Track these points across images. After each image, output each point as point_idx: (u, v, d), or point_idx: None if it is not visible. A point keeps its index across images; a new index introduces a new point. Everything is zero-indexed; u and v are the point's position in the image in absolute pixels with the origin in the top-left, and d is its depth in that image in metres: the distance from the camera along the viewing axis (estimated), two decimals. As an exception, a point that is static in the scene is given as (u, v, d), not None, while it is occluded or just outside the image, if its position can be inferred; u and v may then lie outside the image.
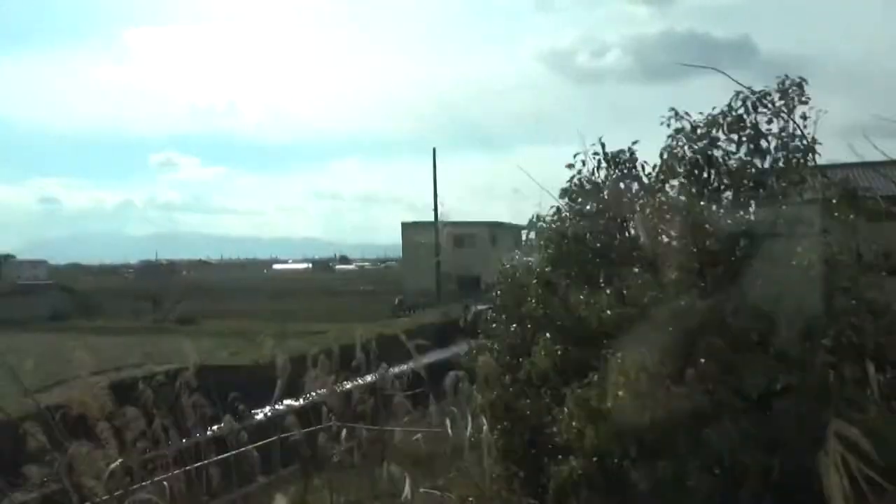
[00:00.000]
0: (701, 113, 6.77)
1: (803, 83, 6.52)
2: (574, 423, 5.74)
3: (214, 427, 8.54)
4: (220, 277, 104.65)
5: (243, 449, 8.52)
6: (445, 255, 44.72)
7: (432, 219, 42.48)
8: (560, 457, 5.97)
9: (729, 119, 6.62)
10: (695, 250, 6.05)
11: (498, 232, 45.81)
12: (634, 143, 7.12)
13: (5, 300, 39.33)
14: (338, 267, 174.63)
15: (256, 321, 37.03)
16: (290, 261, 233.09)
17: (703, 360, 5.45)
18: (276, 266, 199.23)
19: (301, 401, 9.41)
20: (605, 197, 7.05)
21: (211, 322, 36.21)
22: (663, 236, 6.23)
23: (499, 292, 7.48)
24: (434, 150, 37.43)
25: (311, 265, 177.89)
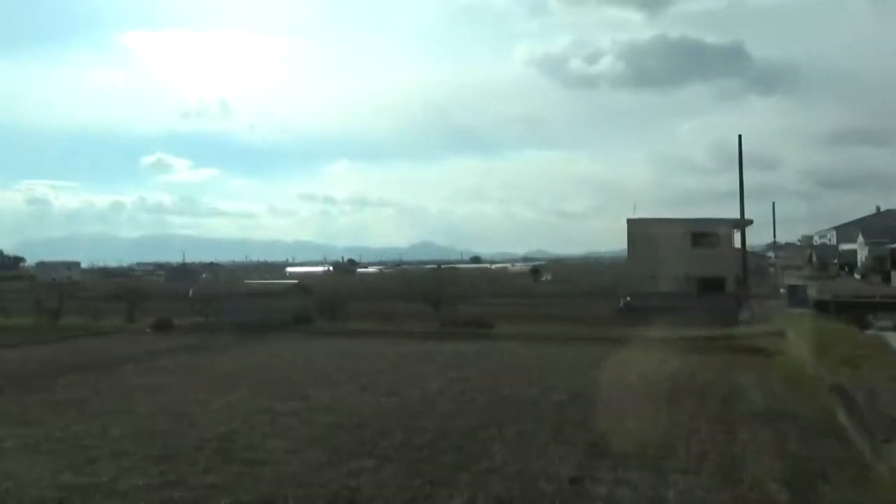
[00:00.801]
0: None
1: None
2: None
3: None
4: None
5: None
6: (681, 255, 42.60)
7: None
8: None
9: None
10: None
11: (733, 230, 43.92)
12: None
13: (254, 302, 35.98)
14: (358, 270, 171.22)
15: (547, 325, 34.41)
16: (290, 263, 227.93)
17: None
18: (290, 269, 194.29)
19: None
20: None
21: (504, 326, 33.36)
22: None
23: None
24: (740, 137, 35.09)
25: (331, 268, 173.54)
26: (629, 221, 44.63)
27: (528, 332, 31.93)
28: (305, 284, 40.61)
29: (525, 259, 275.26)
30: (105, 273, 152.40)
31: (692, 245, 42.77)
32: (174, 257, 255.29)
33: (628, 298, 44.55)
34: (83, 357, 26.42)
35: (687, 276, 42.34)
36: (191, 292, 42.79)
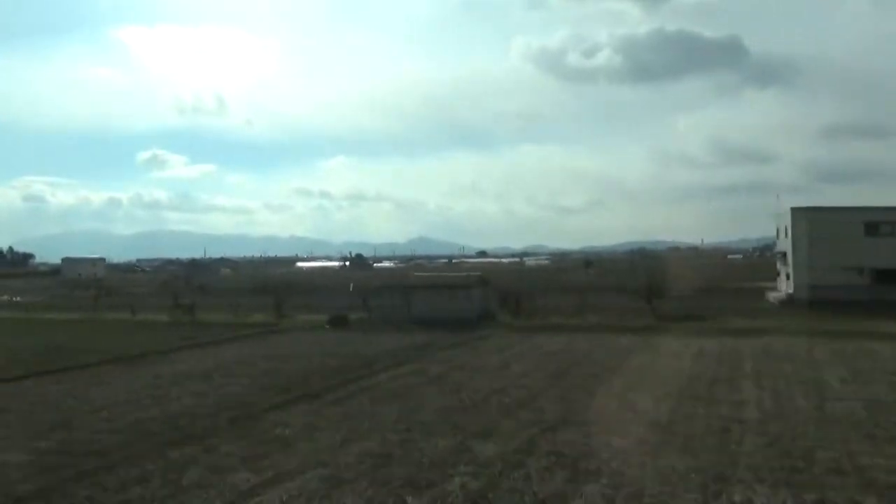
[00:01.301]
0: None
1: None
2: None
3: None
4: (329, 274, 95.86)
5: None
6: (855, 245, 40.35)
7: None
8: None
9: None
10: None
11: (905, 220, 41.70)
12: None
13: (435, 296, 33.07)
14: (374, 265, 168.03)
15: (740, 320, 31.92)
16: (302, 258, 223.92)
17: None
18: (300, 264, 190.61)
19: None
20: None
21: (702, 322, 30.86)
22: None
23: None
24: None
25: (347, 263, 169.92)
26: (793, 210, 42.19)
27: (741, 327, 29.60)
28: (485, 278, 37.52)
29: (524, 254, 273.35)
30: (121, 269, 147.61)
31: (867, 235, 40.53)
32: (170, 253, 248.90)
33: (791, 290, 42.24)
34: (351, 357, 23.50)
35: (861, 268, 40.10)
36: (351, 287, 39.54)
